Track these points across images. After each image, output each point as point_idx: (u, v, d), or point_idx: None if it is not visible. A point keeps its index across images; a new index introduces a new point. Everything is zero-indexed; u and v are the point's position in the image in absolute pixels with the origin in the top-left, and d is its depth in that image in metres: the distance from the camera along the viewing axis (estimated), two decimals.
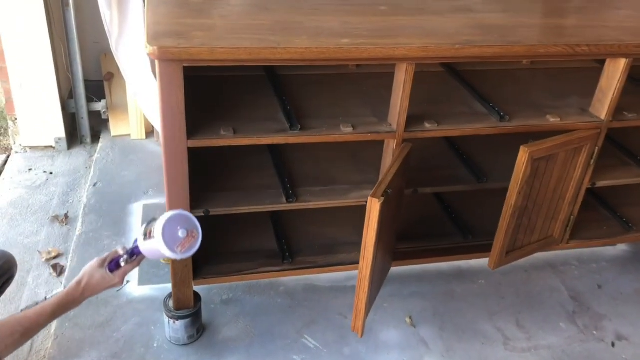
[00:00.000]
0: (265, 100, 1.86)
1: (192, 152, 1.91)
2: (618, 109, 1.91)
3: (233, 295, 2.14)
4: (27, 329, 1.42)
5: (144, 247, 1.50)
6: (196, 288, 1.96)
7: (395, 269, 2.30)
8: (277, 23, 1.66)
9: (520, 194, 1.82)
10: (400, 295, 2.21)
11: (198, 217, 1.76)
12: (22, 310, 1.54)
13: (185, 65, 1.47)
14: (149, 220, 1.51)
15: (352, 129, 1.72)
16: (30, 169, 2.84)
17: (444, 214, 2.25)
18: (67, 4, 2.70)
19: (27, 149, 2.96)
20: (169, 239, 1.44)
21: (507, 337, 2.07)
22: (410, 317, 2.12)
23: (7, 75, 2.76)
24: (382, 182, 1.55)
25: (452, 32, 1.71)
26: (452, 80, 2.13)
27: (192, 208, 1.71)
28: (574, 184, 1.97)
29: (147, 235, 1.48)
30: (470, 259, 2.15)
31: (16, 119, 2.89)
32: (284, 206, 1.81)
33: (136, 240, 1.54)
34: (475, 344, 2.04)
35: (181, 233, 1.46)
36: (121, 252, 1.55)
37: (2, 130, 3.15)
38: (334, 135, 1.71)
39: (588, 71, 2.20)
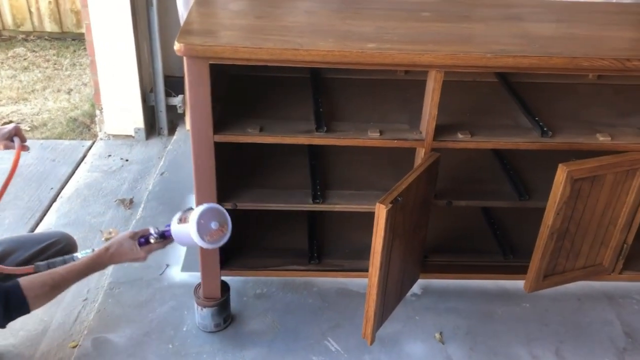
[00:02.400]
0: (301, 102, 1.89)
1: (233, 148, 1.99)
2: None
3: (267, 290, 2.19)
4: (57, 283, 1.51)
5: (176, 229, 1.57)
6: (232, 280, 2.04)
7: (434, 282, 2.25)
8: (310, 25, 1.69)
9: (558, 215, 1.71)
10: (435, 309, 2.15)
11: (228, 210, 1.84)
12: (47, 262, 1.62)
13: (211, 62, 1.53)
14: (186, 209, 1.60)
15: (379, 134, 1.71)
16: (109, 155, 3.07)
17: (488, 230, 2.16)
18: (152, 4, 2.90)
19: (110, 137, 3.20)
20: (202, 227, 1.52)
21: None
22: (440, 333, 2.05)
23: (96, 68, 3.01)
24: (395, 189, 1.52)
25: (489, 41, 1.65)
26: (505, 92, 2.05)
27: (220, 200, 1.78)
28: (627, 210, 1.81)
29: (182, 220, 1.56)
30: (508, 279, 2.05)
31: (102, 109, 3.13)
32: (310, 207, 1.83)
33: (169, 225, 1.62)
34: None
35: (213, 225, 1.54)
36: (152, 231, 1.62)
37: (93, 118, 3.43)
38: (360, 140, 1.71)
39: None
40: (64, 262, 1.59)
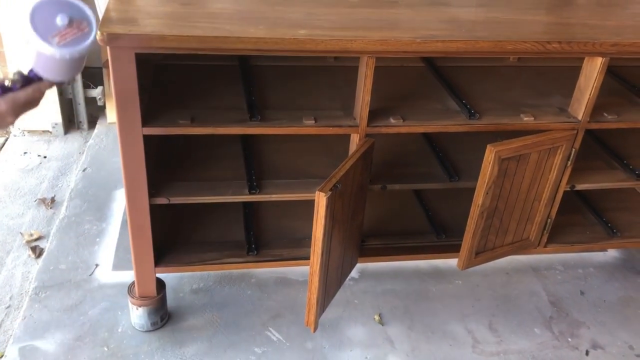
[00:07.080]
0: (233, 91, 1.85)
1: (162, 140, 1.92)
2: (598, 110, 1.84)
3: (204, 285, 2.15)
4: None
5: (32, 55, 1.17)
6: (167, 276, 1.99)
7: (370, 266, 2.29)
8: (238, 12, 1.65)
9: (487, 194, 1.77)
10: (372, 292, 2.19)
11: (161, 206, 1.78)
12: None
13: (137, 52, 1.47)
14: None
15: (314, 121, 1.70)
16: (25, 152, 2.89)
17: (421, 212, 2.21)
18: None
19: (26, 133, 3.02)
20: (42, 25, 1.12)
21: (476, 340, 2.03)
22: (379, 315, 2.09)
23: (5, 59, 2.81)
24: (333, 176, 1.52)
25: (418, 27, 1.67)
26: (432, 76, 2.09)
27: (152, 196, 1.72)
28: (550, 186, 1.91)
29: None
30: (441, 258, 2.11)
31: None
32: (246, 197, 1.81)
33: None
34: (443, 345, 2.00)
35: (60, 20, 1.13)
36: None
37: None
38: (295, 128, 1.69)
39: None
40: None
